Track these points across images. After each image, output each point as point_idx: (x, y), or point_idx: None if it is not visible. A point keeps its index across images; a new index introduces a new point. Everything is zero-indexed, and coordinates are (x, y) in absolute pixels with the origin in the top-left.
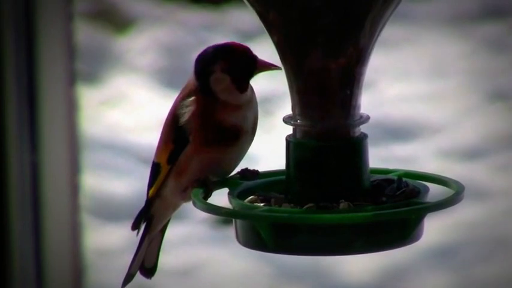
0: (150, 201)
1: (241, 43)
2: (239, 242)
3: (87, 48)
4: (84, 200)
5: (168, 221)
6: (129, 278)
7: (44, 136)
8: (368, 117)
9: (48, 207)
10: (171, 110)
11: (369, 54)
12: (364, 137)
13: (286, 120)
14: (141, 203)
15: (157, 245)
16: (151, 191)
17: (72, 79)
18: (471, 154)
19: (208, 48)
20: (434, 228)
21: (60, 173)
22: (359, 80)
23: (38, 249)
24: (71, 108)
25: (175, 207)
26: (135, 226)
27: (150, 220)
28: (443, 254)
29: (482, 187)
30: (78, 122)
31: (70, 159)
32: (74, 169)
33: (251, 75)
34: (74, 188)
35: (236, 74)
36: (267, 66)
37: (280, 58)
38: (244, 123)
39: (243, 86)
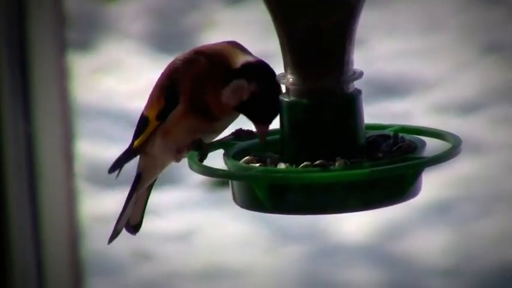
0: (134, 152)
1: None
2: (236, 203)
3: (78, 16)
4: (79, 167)
5: (155, 179)
6: (115, 234)
7: (37, 105)
8: (361, 73)
9: (43, 175)
10: (171, 63)
11: (361, 8)
12: (358, 93)
13: (279, 79)
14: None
15: (143, 203)
16: (136, 142)
17: (63, 47)
18: (467, 108)
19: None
20: (431, 184)
21: (55, 141)
22: (351, 35)
23: (34, 218)
24: (63, 76)
25: (163, 165)
26: (113, 170)
27: (139, 178)
28: (441, 210)
29: (479, 141)
30: (71, 89)
31: (64, 127)
32: (68, 136)
33: (251, 117)
34: (69, 155)
35: (250, 106)
36: (259, 133)
37: (271, 16)
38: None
39: (240, 110)
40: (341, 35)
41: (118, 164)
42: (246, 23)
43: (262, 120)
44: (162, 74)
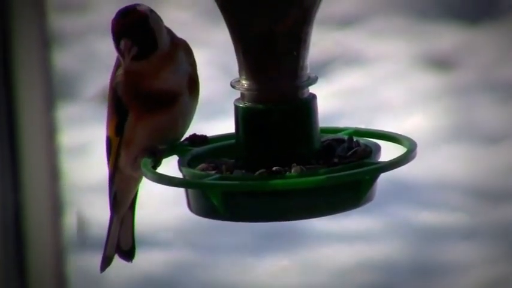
0: (112, 177)
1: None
2: (191, 210)
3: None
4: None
5: (136, 198)
6: (107, 261)
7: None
8: (316, 78)
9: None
10: (110, 81)
11: (315, 13)
12: (312, 98)
13: (234, 84)
14: None
15: (130, 225)
16: (110, 166)
17: (54, 123)
18: (347, 21)
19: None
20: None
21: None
22: (305, 40)
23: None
24: (54, 151)
25: (135, 180)
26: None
27: (115, 197)
28: (328, 122)
29: (359, 53)
30: (61, 164)
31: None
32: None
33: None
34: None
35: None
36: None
37: (225, 21)
38: (172, 86)
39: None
40: (295, 39)
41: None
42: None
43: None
44: (109, 92)
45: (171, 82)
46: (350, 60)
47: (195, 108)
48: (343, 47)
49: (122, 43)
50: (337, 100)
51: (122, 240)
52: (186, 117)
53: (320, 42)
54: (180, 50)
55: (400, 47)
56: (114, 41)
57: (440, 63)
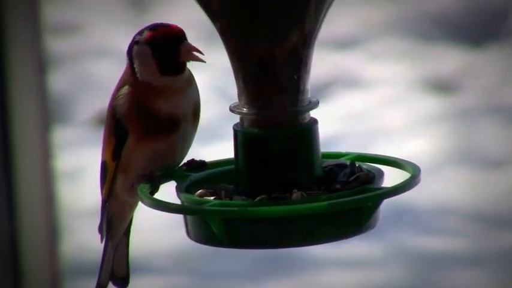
0: (105, 202)
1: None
2: (190, 238)
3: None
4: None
5: (131, 224)
6: None
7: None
8: (317, 102)
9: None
10: (109, 103)
11: (315, 36)
12: (313, 122)
13: (233, 109)
14: None
15: (124, 252)
16: (104, 192)
17: (49, 147)
18: (347, 43)
19: None
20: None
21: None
22: (306, 64)
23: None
24: (49, 176)
25: (131, 205)
26: (101, 230)
27: (110, 223)
28: (327, 145)
29: (359, 76)
30: (56, 189)
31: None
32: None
33: (176, 59)
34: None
35: (159, 50)
36: (190, 56)
37: (224, 44)
38: (180, 111)
39: (166, 66)
40: (295, 63)
41: (102, 226)
42: None
43: (181, 46)
44: (107, 114)
45: (179, 108)
46: (350, 83)
47: (195, 135)
48: (342, 70)
49: (187, 43)
50: (336, 123)
51: (116, 267)
52: (186, 144)
53: (319, 64)
54: (193, 78)
55: (400, 69)
56: (168, 42)
57: (441, 86)
